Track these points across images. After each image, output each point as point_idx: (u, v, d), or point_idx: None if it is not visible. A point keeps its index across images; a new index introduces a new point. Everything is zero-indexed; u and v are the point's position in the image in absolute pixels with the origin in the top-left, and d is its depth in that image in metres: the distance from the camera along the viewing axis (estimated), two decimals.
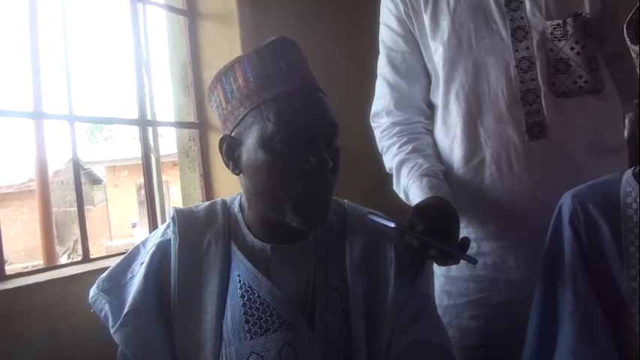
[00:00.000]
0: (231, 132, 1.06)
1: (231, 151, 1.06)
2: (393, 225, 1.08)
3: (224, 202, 1.15)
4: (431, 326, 1.10)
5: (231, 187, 2.17)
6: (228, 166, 1.08)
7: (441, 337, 1.11)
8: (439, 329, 1.13)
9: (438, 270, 1.43)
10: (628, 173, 1.10)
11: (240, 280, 1.05)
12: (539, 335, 1.09)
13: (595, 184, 1.13)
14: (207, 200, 2.26)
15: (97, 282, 1.10)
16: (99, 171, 18.08)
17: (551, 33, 1.29)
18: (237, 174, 1.08)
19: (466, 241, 1.09)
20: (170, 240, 1.08)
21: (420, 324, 1.08)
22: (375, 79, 1.50)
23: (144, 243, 1.14)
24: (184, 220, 1.10)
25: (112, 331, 1.04)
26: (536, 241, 1.18)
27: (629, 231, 1.04)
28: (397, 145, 1.39)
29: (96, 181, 18.24)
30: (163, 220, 2.17)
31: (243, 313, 1.02)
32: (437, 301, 1.40)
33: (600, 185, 1.12)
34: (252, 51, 1.05)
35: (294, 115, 1.00)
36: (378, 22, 1.50)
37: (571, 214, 1.09)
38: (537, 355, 1.09)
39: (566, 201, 1.12)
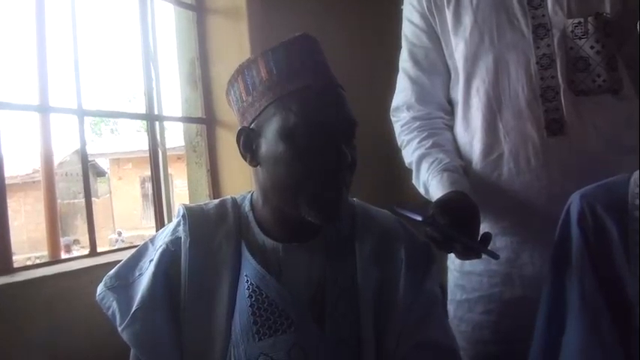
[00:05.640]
0: (250, 124, 1.06)
1: (249, 143, 1.06)
2: (419, 218, 1.08)
3: (234, 201, 1.15)
4: (439, 327, 1.11)
5: (238, 183, 2.18)
6: (245, 159, 1.08)
7: (449, 339, 1.12)
8: (447, 330, 1.13)
9: (451, 265, 1.45)
10: (636, 174, 1.09)
11: (247, 280, 1.05)
12: (546, 334, 1.09)
13: (604, 185, 1.12)
14: (214, 195, 2.28)
15: (104, 279, 1.09)
16: (103, 163, 18.14)
17: (572, 31, 1.30)
18: (255, 166, 1.07)
19: (488, 237, 1.10)
20: (181, 238, 1.08)
21: (428, 325, 1.08)
22: (385, 74, 1.52)
23: (152, 240, 1.13)
24: (195, 218, 1.10)
25: (119, 329, 1.04)
26: (551, 237, 1.17)
27: (635, 233, 1.03)
28: (417, 140, 1.41)
29: (100, 173, 18.31)
30: (169, 214, 2.17)
31: (251, 314, 1.02)
32: (450, 296, 1.42)
33: (609, 186, 1.11)
34: (279, 45, 1.05)
35: (316, 109, 1.01)
36: (389, 18, 1.51)
37: (579, 215, 1.09)
38: (544, 353, 1.09)
39: (574, 201, 1.11)
